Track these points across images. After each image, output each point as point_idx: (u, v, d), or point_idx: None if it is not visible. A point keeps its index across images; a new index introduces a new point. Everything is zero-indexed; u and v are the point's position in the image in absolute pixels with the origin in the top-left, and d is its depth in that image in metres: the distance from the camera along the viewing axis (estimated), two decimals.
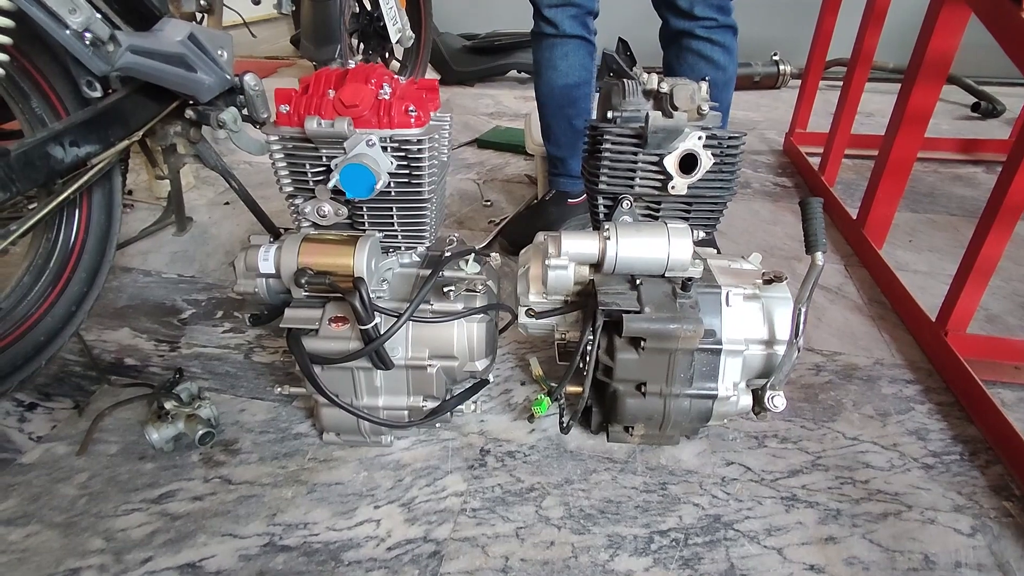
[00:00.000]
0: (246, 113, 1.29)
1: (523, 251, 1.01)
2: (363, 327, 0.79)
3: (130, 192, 1.81)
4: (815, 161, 1.95)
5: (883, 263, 1.40)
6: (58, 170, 0.96)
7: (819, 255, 0.79)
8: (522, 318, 0.96)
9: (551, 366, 1.09)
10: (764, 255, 1.52)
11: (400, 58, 2.52)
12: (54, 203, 0.96)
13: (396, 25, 2.14)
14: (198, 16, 1.29)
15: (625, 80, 0.91)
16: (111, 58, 0.93)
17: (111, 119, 1.04)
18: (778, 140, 2.30)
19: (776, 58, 2.94)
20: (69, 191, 0.98)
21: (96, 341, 1.20)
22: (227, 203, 1.77)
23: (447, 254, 0.95)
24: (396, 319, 0.80)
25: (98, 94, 0.97)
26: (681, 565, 0.79)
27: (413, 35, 2.29)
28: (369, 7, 2.22)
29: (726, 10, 1.27)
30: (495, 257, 1.02)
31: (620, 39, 3.51)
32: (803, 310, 0.81)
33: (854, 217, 1.58)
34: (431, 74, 2.99)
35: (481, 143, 2.26)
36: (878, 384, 1.11)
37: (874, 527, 0.84)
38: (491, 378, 1.05)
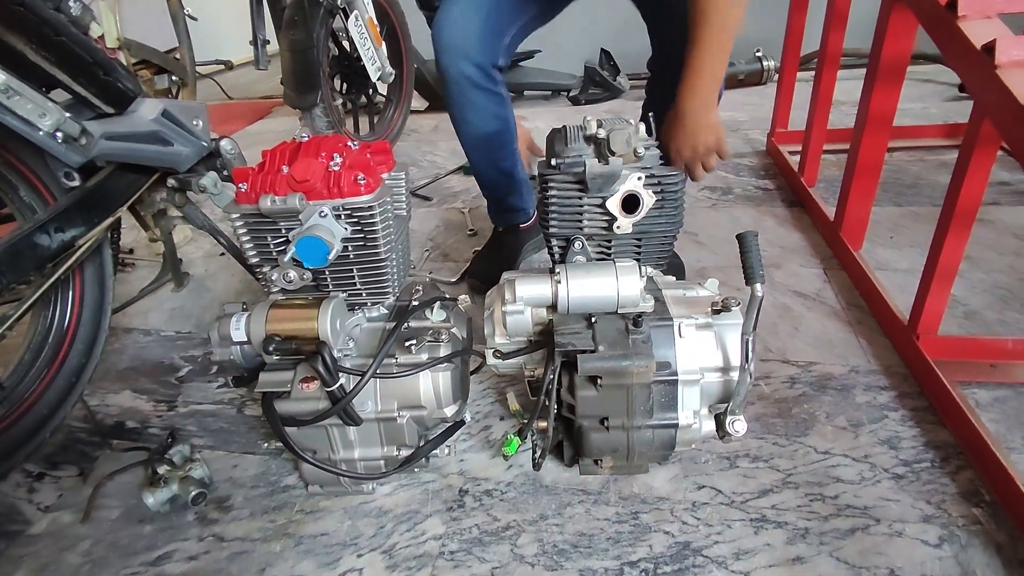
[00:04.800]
0: (226, 174, 1.36)
1: (488, 293, 1.04)
2: (328, 388, 0.83)
3: (131, 251, 1.90)
4: (796, 160, 1.95)
5: (860, 265, 1.40)
6: (46, 256, 1.02)
7: (758, 286, 0.81)
8: (490, 359, 0.99)
9: (528, 398, 1.13)
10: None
11: (384, 93, 2.58)
12: (45, 286, 1.03)
13: (375, 64, 2.20)
14: (173, 90, 1.36)
15: (567, 126, 0.94)
16: (86, 150, 0.99)
17: (94, 201, 1.11)
18: (761, 140, 2.31)
19: (759, 54, 2.94)
20: (58, 273, 1.05)
21: (99, 406, 1.27)
22: (222, 254, 1.84)
23: (414, 302, 0.99)
24: (360, 378, 0.85)
25: (76, 183, 1.04)
26: None
27: (393, 71, 2.35)
28: (348, 48, 2.28)
29: None
30: (464, 299, 1.06)
31: (603, 50, 3.56)
32: (750, 339, 0.83)
33: (831, 218, 1.58)
34: (417, 102, 3.05)
35: (467, 170, 2.30)
36: (852, 393, 1.12)
37: (841, 544, 0.86)
38: (468, 417, 1.09)
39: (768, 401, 1.12)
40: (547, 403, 0.91)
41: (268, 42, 1.68)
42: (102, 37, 1.10)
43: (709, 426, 0.91)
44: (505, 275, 1.02)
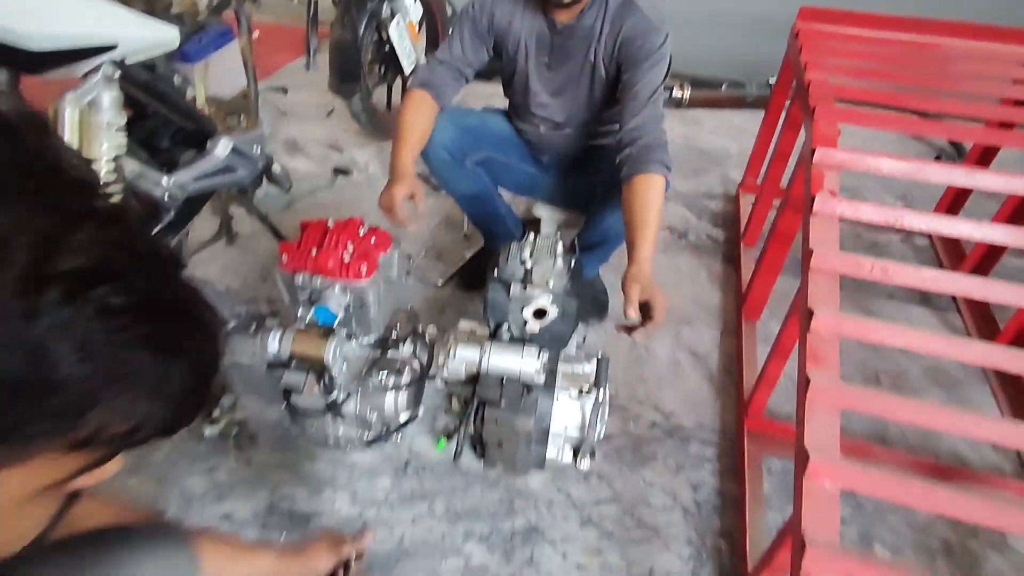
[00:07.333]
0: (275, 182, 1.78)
1: (454, 328, 1.49)
2: (326, 402, 1.32)
3: None
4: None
5: (744, 338, 1.81)
6: None
7: (601, 391, 1.26)
8: (438, 383, 1.47)
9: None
10: None
11: None
12: None
13: (409, 59, 2.49)
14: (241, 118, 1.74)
15: (511, 246, 1.34)
16: (183, 196, 1.42)
17: (185, 210, 1.55)
18: (737, 182, 2.60)
19: (771, 82, 3.11)
20: None
21: None
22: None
23: (394, 333, 1.46)
24: (348, 396, 1.33)
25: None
26: (502, 552, 1.35)
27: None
28: (387, 36, 2.55)
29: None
30: (431, 329, 1.52)
31: None
32: (598, 413, 1.29)
33: (744, 288, 1.97)
34: None
35: None
36: (690, 443, 1.59)
37: (628, 547, 1.37)
38: (421, 412, 1.58)
39: (630, 436, 1.59)
40: (469, 423, 1.40)
41: (318, 50, 2.00)
42: (194, 99, 1.48)
43: (568, 457, 1.40)
44: (461, 323, 1.47)
